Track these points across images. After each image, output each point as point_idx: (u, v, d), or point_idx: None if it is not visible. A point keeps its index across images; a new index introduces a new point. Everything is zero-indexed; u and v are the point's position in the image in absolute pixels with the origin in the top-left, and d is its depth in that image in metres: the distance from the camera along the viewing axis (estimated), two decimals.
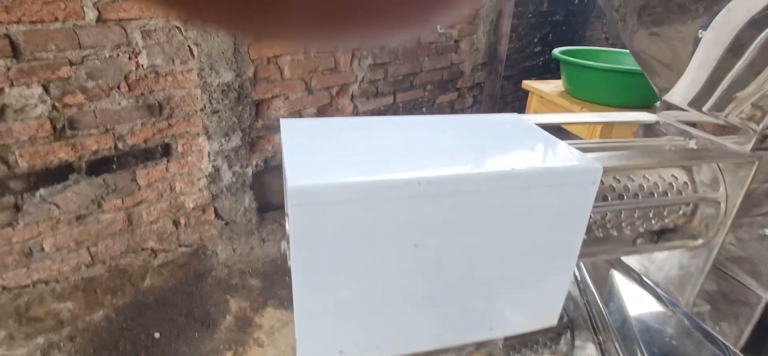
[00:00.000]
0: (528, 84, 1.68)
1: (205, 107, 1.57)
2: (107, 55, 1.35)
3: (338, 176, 0.38)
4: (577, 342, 0.76)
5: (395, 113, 2.29)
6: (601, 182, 0.51)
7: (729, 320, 0.63)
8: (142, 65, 1.41)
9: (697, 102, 0.57)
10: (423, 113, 2.46)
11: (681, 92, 0.59)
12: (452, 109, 2.63)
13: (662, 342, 0.68)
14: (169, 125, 1.53)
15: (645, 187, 0.53)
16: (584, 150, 0.54)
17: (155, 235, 1.76)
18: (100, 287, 1.71)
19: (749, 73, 0.50)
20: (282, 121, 0.50)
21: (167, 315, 1.72)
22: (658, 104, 0.64)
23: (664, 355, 0.67)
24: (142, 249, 1.77)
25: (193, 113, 1.57)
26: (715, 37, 0.53)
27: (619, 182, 0.52)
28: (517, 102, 3.07)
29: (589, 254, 0.52)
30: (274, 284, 1.86)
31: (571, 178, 0.43)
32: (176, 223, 1.78)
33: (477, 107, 2.76)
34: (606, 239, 0.57)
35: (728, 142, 0.53)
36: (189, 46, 1.46)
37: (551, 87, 1.62)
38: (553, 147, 0.47)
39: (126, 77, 1.40)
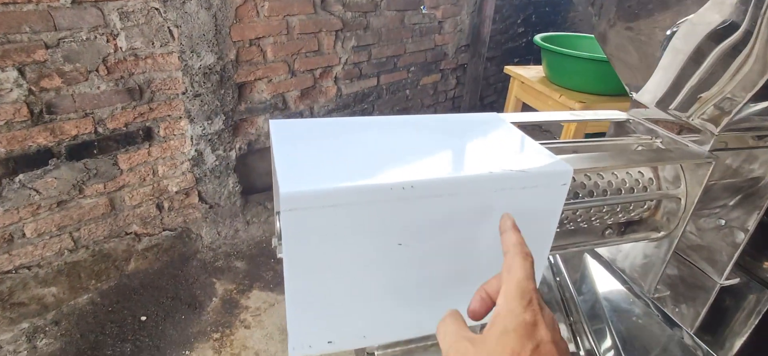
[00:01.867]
0: (510, 69, 1.71)
1: (186, 90, 1.55)
2: (84, 38, 1.31)
3: (328, 181, 0.40)
4: None
5: (379, 95, 2.29)
6: (573, 179, 0.55)
7: (687, 303, 0.68)
8: (120, 48, 1.38)
9: (663, 102, 0.60)
10: (406, 95, 2.47)
11: (649, 91, 0.63)
12: (436, 90, 2.65)
13: (629, 321, 0.73)
14: (150, 108, 1.51)
15: (613, 184, 0.57)
16: (557, 150, 0.57)
17: (139, 219, 1.75)
18: (84, 271, 1.70)
19: (711, 78, 0.53)
20: (271, 123, 0.51)
21: (153, 298, 1.73)
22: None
23: (630, 333, 0.72)
24: (126, 233, 1.76)
25: (175, 97, 1.55)
26: (681, 43, 0.56)
27: (590, 179, 0.56)
28: (499, 83, 3.11)
29: (561, 247, 0.56)
30: (259, 266, 1.88)
31: (544, 180, 0.46)
32: (160, 207, 1.77)
33: (460, 89, 2.78)
34: (577, 231, 0.61)
35: (689, 141, 0.56)
36: (169, 27, 1.43)
37: (532, 73, 1.65)
38: (529, 149, 0.50)
39: (104, 60, 1.38)
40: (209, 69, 1.56)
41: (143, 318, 1.70)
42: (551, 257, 0.86)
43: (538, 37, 1.55)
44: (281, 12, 1.68)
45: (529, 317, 0.29)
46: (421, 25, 2.34)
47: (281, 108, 1.91)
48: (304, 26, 1.78)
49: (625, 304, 0.76)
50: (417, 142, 0.49)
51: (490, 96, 3.12)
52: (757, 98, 0.50)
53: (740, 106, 0.49)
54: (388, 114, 2.43)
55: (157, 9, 1.38)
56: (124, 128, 1.50)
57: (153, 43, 1.42)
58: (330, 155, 0.45)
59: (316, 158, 0.44)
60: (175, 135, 1.62)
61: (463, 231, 0.46)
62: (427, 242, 0.45)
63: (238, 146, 1.84)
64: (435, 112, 2.74)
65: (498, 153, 0.48)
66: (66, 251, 1.60)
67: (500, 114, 0.59)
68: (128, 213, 1.71)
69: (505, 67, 1.73)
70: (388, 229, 0.43)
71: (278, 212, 0.43)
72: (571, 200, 0.52)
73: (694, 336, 0.61)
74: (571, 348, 0.75)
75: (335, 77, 2.03)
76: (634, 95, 0.63)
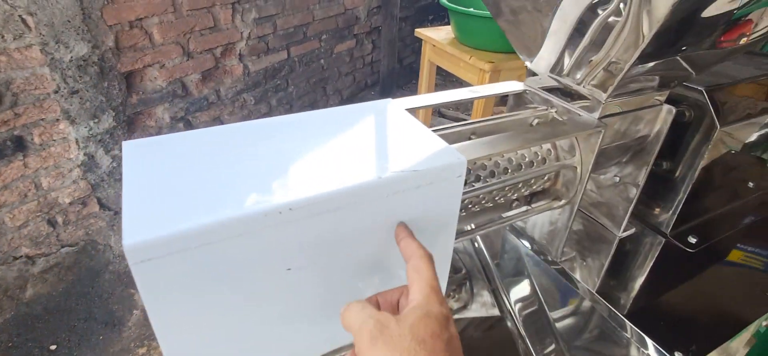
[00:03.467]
0: (421, 32, 1.67)
1: (59, 88, 1.33)
2: None
3: (183, 220, 0.34)
4: (475, 290, 0.82)
5: (291, 68, 2.16)
6: (474, 163, 0.53)
7: (592, 256, 0.71)
8: None
9: (555, 70, 0.60)
10: (322, 65, 2.36)
11: (543, 59, 0.62)
12: (352, 57, 2.56)
13: (548, 270, 0.76)
14: (15, 114, 1.29)
15: (514, 160, 0.55)
16: (456, 135, 0.54)
17: (28, 240, 1.53)
18: None
19: (595, 44, 0.53)
20: (124, 146, 0.43)
21: (62, 322, 1.55)
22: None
23: (549, 279, 0.75)
24: (15, 258, 1.54)
25: (45, 97, 1.33)
26: (568, 9, 0.55)
27: (491, 159, 0.54)
28: (417, 43, 3.07)
29: (466, 233, 0.55)
30: None
31: (438, 176, 0.43)
32: (52, 222, 1.56)
33: (377, 53, 2.71)
34: (483, 211, 0.60)
35: (581, 110, 0.56)
36: (20, 16, 1.20)
37: (443, 35, 1.62)
38: (421, 141, 0.47)
39: None
40: (83, 61, 1.35)
41: (53, 348, 1.53)
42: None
43: None
44: None
45: (445, 311, 0.32)
46: None
47: (181, 95, 1.73)
48: (193, 1, 1.59)
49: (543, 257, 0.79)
50: (295, 149, 0.43)
51: (409, 57, 3.09)
52: (640, 60, 0.50)
53: (623, 72, 0.49)
54: (304, 87, 2.31)
55: None
56: None
57: (3, 37, 1.19)
58: (190, 181, 0.38)
59: (173, 188, 0.37)
60: (54, 140, 1.41)
61: (359, 241, 0.42)
62: (322, 259, 0.41)
63: None
64: (354, 79, 2.67)
65: (388, 151, 0.44)
66: None
67: (396, 100, 0.55)
68: (13, 236, 1.49)
69: (416, 30, 1.68)
70: (271, 256, 0.38)
71: None
72: (471, 187, 0.50)
73: (595, 293, 0.64)
74: (495, 311, 0.77)
75: (240, 54, 1.86)
76: (529, 64, 0.62)
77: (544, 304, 0.76)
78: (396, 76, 2.89)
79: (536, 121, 0.57)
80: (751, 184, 0.84)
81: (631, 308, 0.62)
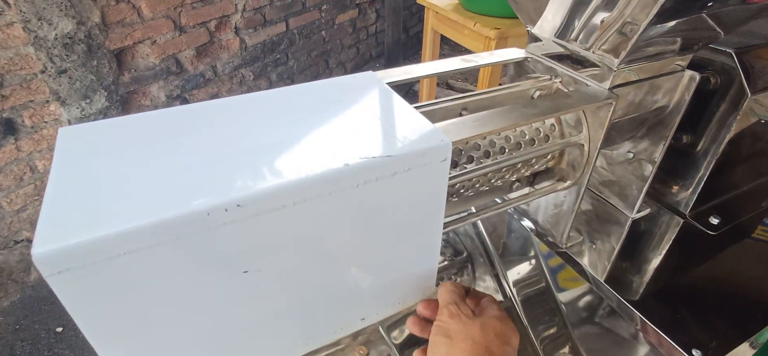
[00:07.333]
0: None
1: (46, 67, 1.29)
2: None
3: (108, 224, 0.29)
4: (477, 273, 0.77)
5: (291, 41, 2.08)
6: (467, 143, 0.47)
7: (603, 238, 0.65)
8: None
9: (562, 34, 0.52)
10: (323, 37, 2.27)
11: (547, 22, 0.54)
12: (355, 28, 2.45)
13: (552, 255, 0.70)
14: (2, 96, 1.25)
15: (512, 138, 0.49)
16: (443, 112, 0.48)
17: (28, 224, 1.52)
18: None
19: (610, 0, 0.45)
20: (60, 132, 0.38)
21: None
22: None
23: (557, 264, 0.69)
24: (16, 242, 1.53)
25: (33, 78, 1.28)
26: None
27: (485, 138, 0.48)
28: (422, 11, 2.94)
29: (458, 221, 0.49)
30: None
31: (418, 161, 0.37)
32: None
33: (381, 23, 2.60)
34: (479, 195, 0.54)
35: (589, 79, 0.49)
36: None
37: (446, 0, 1.53)
38: (401, 120, 0.40)
39: None
40: (69, 38, 1.30)
41: (59, 329, 1.54)
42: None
43: None
44: None
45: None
46: None
47: (176, 71, 1.67)
48: None
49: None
50: (253, 132, 0.38)
51: (415, 26, 2.97)
52: (659, 18, 0.43)
53: (638, 33, 0.41)
54: (305, 61, 2.23)
55: None
56: None
57: None
58: (126, 174, 0.33)
59: (104, 183, 0.32)
60: (46, 123, 1.37)
61: (327, 237, 0.37)
62: (283, 260, 0.36)
63: None
64: (358, 51, 2.57)
65: (361, 133, 0.38)
66: None
67: (378, 72, 0.49)
68: (12, 220, 1.47)
69: None
70: (220, 259, 0.33)
71: None
72: (461, 171, 0.44)
73: (602, 282, 0.58)
74: (498, 295, 0.72)
75: (235, 28, 1.79)
76: (531, 29, 0.55)
77: (552, 286, 0.70)
78: (402, 47, 2.79)
79: (538, 93, 0.50)
80: None
81: (643, 297, 0.56)
